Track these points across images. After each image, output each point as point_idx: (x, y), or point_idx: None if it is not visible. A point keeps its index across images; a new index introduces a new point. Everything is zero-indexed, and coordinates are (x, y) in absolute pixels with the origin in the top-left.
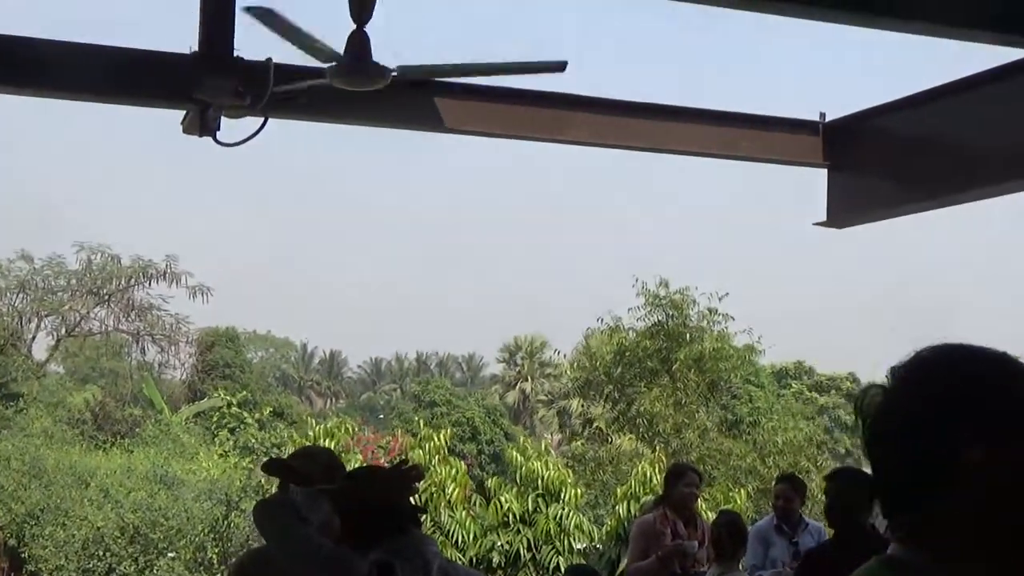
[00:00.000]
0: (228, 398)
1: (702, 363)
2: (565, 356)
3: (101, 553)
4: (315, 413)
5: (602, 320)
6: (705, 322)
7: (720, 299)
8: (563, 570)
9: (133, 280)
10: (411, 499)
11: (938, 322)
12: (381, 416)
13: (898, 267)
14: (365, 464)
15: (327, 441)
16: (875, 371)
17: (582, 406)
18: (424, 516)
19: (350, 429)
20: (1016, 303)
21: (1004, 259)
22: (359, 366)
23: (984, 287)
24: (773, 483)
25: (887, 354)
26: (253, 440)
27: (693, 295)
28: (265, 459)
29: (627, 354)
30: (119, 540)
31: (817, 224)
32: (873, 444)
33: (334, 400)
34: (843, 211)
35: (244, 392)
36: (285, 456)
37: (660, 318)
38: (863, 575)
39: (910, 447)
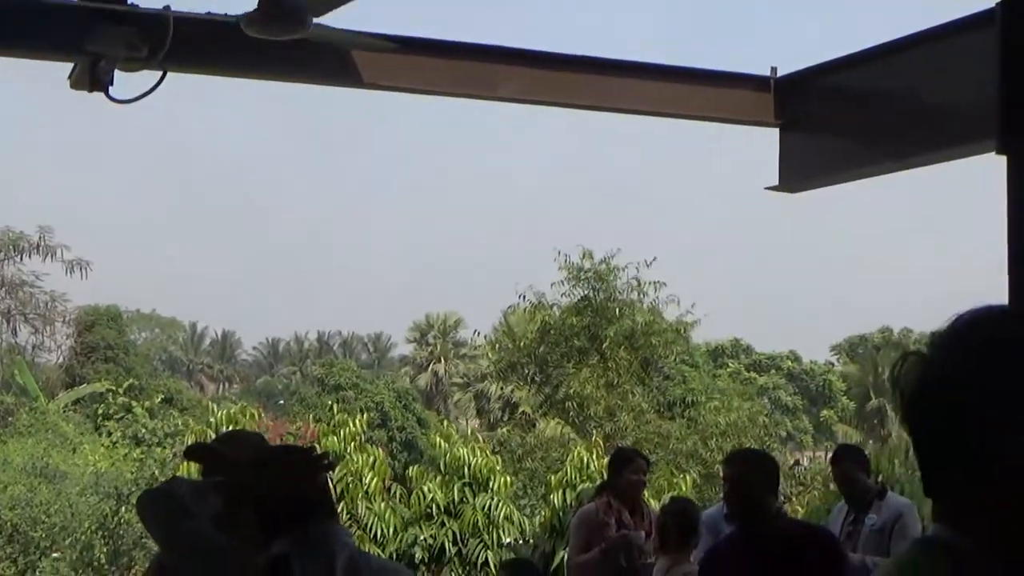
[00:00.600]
0: (111, 387)
1: (634, 340)
2: (483, 335)
3: None
4: (208, 399)
5: (523, 297)
6: (635, 293)
7: (648, 265)
8: (493, 565)
9: (2, 254)
10: (323, 488)
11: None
12: (281, 401)
13: (851, 237)
14: (276, 445)
15: (228, 429)
16: (818, 349)
17: (502, 389)
18: (339, 507)
19: (254, 415)
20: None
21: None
22: (254, 348)
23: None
24: (721, 467)
25: (832, 332)
26: (143, 429)
27: (618, 264)
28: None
29: (552, 332)
30: None
31: (769, 188)
32: (912, 421)
33: (227, 385)
34: (797, 174)
35: (130, 379)
36: (209, 441)
37: (586, 292)
38: (910, 556)
39: (951, 427)
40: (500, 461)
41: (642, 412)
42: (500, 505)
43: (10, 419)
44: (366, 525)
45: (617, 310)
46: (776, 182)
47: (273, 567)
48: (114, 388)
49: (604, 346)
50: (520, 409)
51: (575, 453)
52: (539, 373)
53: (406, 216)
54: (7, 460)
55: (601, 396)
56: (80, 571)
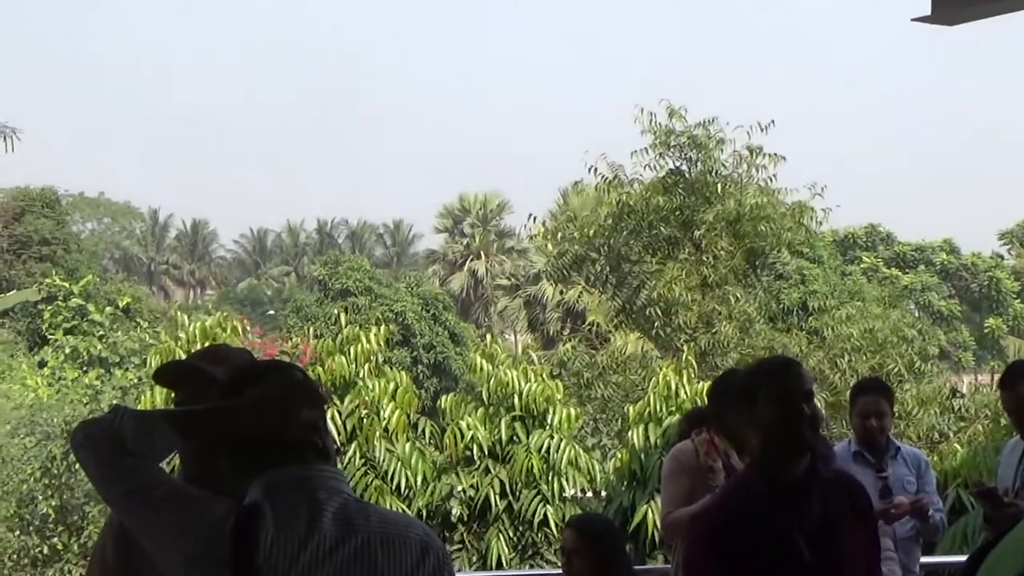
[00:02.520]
0: (59, 283)
1: (738, 226)
2: (539, 220)
3: None
4: (176, 308)
5: (593, 170)
6: (744, 167)
7: (764, 130)
8: (555, 524)
9: None
10: (312, 425)
11: None
12: (271, 312)
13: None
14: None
15: (204, 345)
16: (982, 237)
17: (562, 293)
18: (349, 449)
19: (237, 329)
20: None
21: None
22: (235, 241)
23: None
24: (850, 393)
25: (1001, 214)
26: (98, 346)
27: (723, 130)
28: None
29: (631, 216)
30: None
31: (917, 20)
32: None
33: (199, 290)
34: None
35: (82, 281)
36: (184, 357)
37: (677, 163)
38: None
39: None
40: (561, 388)
41: (748, 321)
42: (562, 446)
43: None
44: (386, 472)
45: (718, 187)
46: (927, 11)
47: (240, 520)
48: (63, 285)
49: (699, 234)
50: (587, 319)
51: (660, 376)
52: (612, 271)
53: (438, 66)
54: None
55: (694, 300)
56: (18, 532)
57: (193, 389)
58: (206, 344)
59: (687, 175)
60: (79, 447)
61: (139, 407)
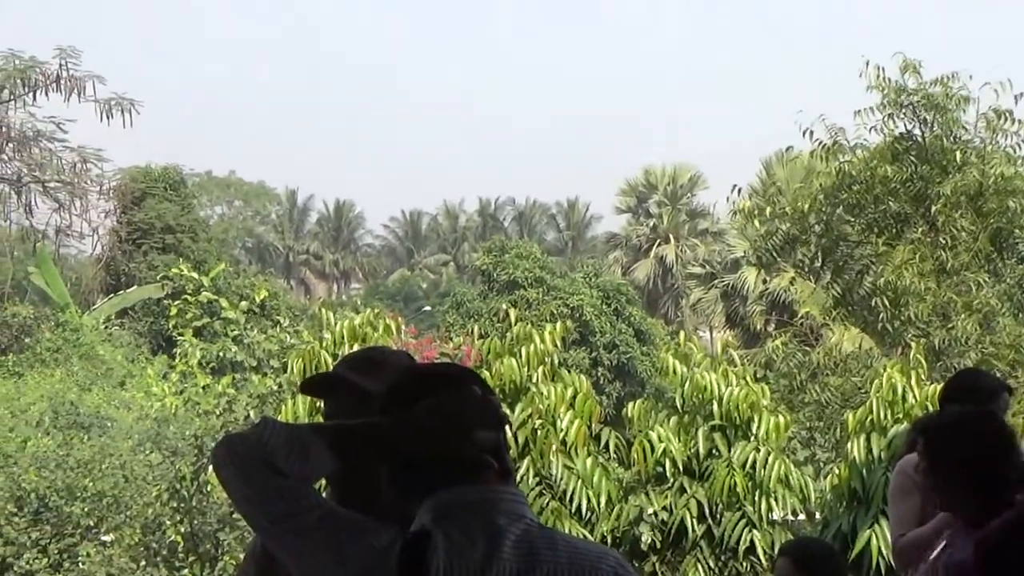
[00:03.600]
0: (192, 276)
1: (981, 202)
2: (741, 192)
3: None
4: (319, 304)
5: (808, 133)
6: (990, 133)
7: (1017, 99)
8: (763, 551)
9: (5, 91)
10: (493, 445)
11: None
12: (426, 307)
13: None
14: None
15: (353, 347)
16: None
17: (766, 282)
18: (521, 465)
19: (390, 328)
20: None
21: None
22: (384, 226)
23: None
24: None
25: None
26: (231, 349)
27: (965, 87)
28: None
29: (852, 189)
30: (15, 519)
31: None
32: None
33: (344, 283)
34: None
35: (212, 273)
36: (330, 368)
37: (909, 127)
38: None
39: None
40: (768, 392)
41: (991, 314)
42: (770, 460)
43: (27, 340)
44: (563, 493)
45: (957, 155)
46: None
47: (408, 548)
48: (191, 278)
49: (935, 210)
50: (798, 312)
51: (884, 377)
52: (828, 255)
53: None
54: (22, 402)
55: (927, 288)
56: (143, 563)
57: (346, 399)
58: (355, 346)
59: (920, 140)
60: (222, 465)
61: (280, 419)
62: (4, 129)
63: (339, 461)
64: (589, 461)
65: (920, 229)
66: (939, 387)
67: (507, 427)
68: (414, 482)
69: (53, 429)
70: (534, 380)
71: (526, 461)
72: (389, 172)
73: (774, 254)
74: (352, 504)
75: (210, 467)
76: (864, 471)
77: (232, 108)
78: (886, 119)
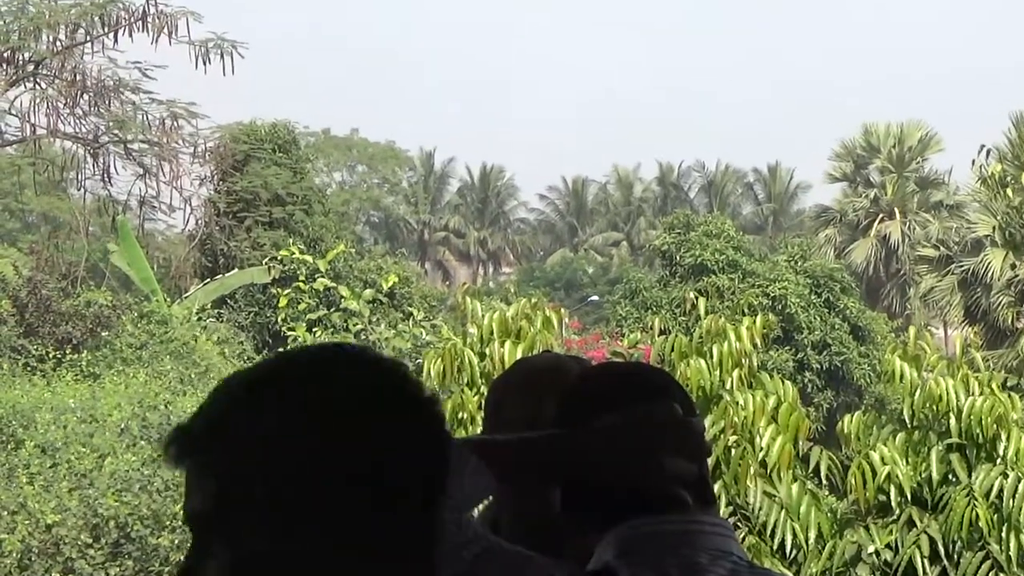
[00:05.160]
0: (306, 258)
1: None
2: (989, 156)
3: None
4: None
5: None
6: None
7: None
8: None
9: (80, 31)
10: (698, 478)
11: None
12: (593, 297)
13: None
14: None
15: (512, 350)
16: None
17: (1014, 267)
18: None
19: (552, 320)
20: None
21: None
22: (542, 196)
23: None
24: None
25: None
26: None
27: None
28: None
29: None
30: (91, 551)
31: None
32: None
33: (492, 266)
34: None
35: (330, 255)
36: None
37: None
38: None
39: None
40: (1018, 404)
41: None
42: (1021, 488)
43: (105, 334)
44: (763, 526)
45: None
46: None
47: None
48: (304, 261)
49: None
50: None
51: None
52: None
53: None
54: (100, 411)
55: None
56: None
57: (513, 410)
58: (505, 344)
59: None
60: None
61: None
62: (78, 78)
63: (500, 483)
64: (795, 487)
65: None
66: None
67: (708, 459)
68: (592, 511)
69: (138, 443)
70: (727, 386)
71: (717, 486)
72: (547, 130)
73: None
74: (517, 536)
75: None
76: None
77: (355, 56)
78: None
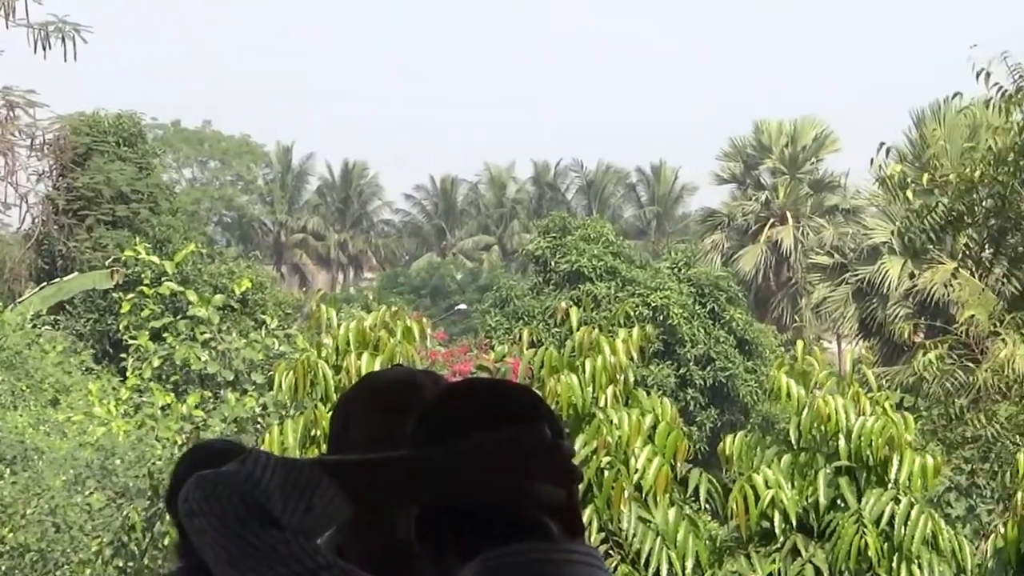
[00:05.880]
0: (151, 260)
1: None
2: (895, 158)
3: None
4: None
5: (984, 75)
6: None
7: None
8: None
9: None
10: (566, 505)
11: None
12: (460, 305)
13: None
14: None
15: (370, 362)
16: None
17: (913, 276)
18: (584, 518)
19: (412, 330)
20: None
21: None
22: (408, 196)
23: None
24: None
25: None
26: (201, 358)
27: None
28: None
29: None
30: None
31: None
32: None
33: (353, 271)
34: None
35: (178, 257)
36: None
37: None
38: None
39: None
40: (912, 424)
41: None
42: (914, 515)
43: None
44: (637, 554)
45: None
46: None
47: None
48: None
49: None
50: (959, 316)
51: None
52: (1001, 241)
53: None
54: None
55: None
56: None
57: (361, 428)
58: (363, 356)
59: None
60: (196, 513)
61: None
62: None
63: (353, 507)
64: (672, 512)
65: None
66: None
67: (578, 485)
68: (451, 538)
69: None
70: (601, 404)
71: (589, 510)
72: (415, 126)
73: (930, 238)
74: (364, 564)
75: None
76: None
77: (207, 43)
78: None
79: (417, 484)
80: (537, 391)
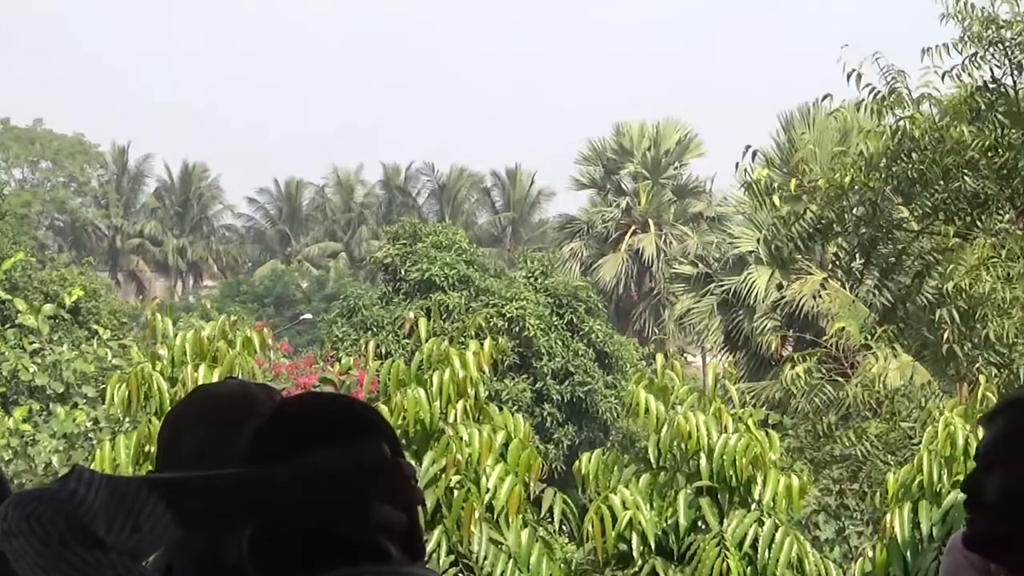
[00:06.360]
0: None
1: None
2: (761, 162)
3: None
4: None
5: (855, 76)
6: None
7: None
8: None
9: None
10: (407, 528)
11: None
12: (305, 315)
13: None
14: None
15: (208, 374)
16: None
17: (781, 287)
18: (431, 537)
19: (253, 341)
20: None
21: None
22: (251, 200)
23: None
24: None
25: None
26: (29, 369)
27: None
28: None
29: (912, 157)
30: None
31: None
32: None
33: (193, 279)
34: None
35: (5, 264)
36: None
37: (998, 73)
38: None
39: None
40: (776, 442)
41: None
42: (779, 537)
43: None
44: None
45: None
46: None
47: None
48: None
49: None
50: (829, 328)
51: (940, 423)
52: (872, 249)
53: None
54: None
55: (1015, 299)
56: None
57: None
58: (200, 368)
59: (1013, 93)
60: (15, 534)
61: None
62: None
63: (183, 528)
64: (525, 534)
65: (1007, 217)
66: None
67: (421, 507)
68: (285, 560)
69: None
70: (451, 420)
71: (437, 532)
72: (258, 126)
73: (797, 247)
74: None
75: None
76: (908, 553)
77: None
78: (967, 62)
79: (249, 504)
80: (383, 405)
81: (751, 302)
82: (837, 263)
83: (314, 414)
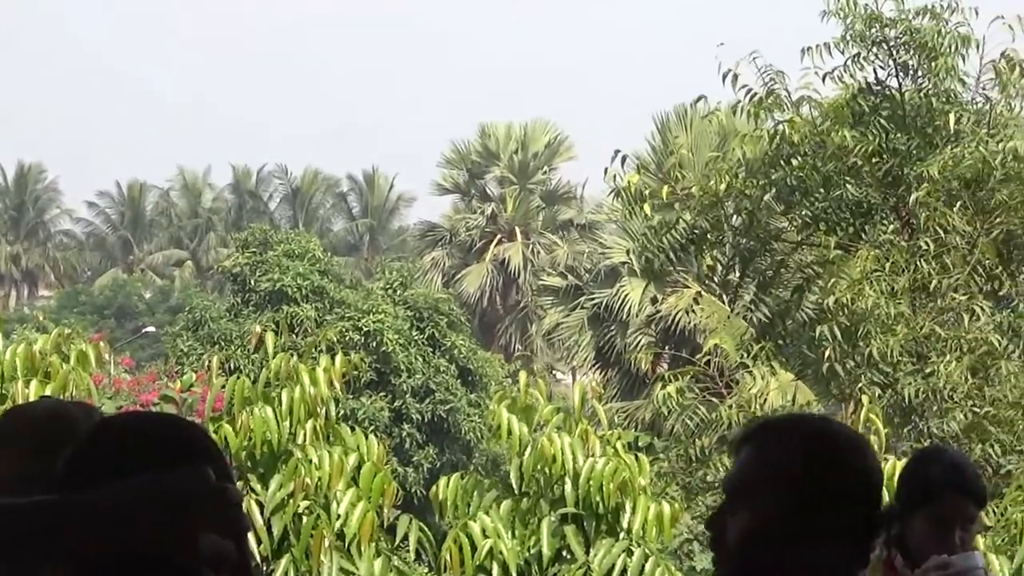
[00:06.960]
0: None
1: (982, 192)
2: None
3: None
4: None
5: (731, 76)
6: (1001, 89)
7: None
8: None
9: None
10: (234, 558)
11: None
12: (148, 328)
13: None
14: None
15: (39, 391)
16: None
17: (655, 301)
18: (278, 567)
19: (88, 355)
20: None
21: None
22: (90, 204)
23: None
24: None
25: None
26: None
27: (967, 23)
28: None
29: (791, 163)
30: None
31: None
32: None
33: (27, 288)
34: None
35: None
36: None
37: (882, 75)
38: None
39: None
40: (646, 466)
41: (990, 356)
42: (649, 567)
43: None
44: None
45: (951, 119)
46: None
47: None
48: None
49: (913, 199)
50: (704, 345)
51: None
52: (749, 263)
53: None
54: None
55: (899, 315)
56: None
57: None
58: (31, 383)
59: (897, 95)
60: None
61: None
62: None
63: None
64: (378, 563)
65: (891, 227)
66: (900, 464)
67: (248, 536)
68: None
69: None
70: (299, 441)
71: (284, 561)
72: (100, 121)
73: (670, 258)
74: None
75: None
76: None
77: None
78: (849, 62)
79: (64, 532)
80: (227, 425)
81: (624, 316)
82: (711, 276)
83: (133, 436)
